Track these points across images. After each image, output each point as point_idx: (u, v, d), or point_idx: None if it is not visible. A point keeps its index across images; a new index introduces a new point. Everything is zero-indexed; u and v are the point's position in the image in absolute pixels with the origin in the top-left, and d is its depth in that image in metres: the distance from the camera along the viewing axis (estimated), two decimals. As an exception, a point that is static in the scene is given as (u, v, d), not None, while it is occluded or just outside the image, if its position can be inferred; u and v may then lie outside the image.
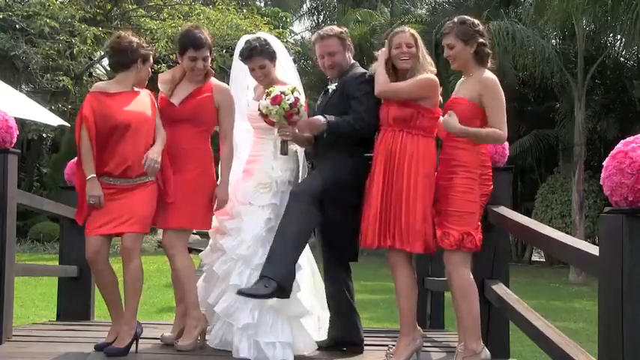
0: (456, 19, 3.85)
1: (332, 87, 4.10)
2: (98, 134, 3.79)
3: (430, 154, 3.81)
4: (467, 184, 3.67)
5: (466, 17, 3.85)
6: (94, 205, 3.81)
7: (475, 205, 3.68)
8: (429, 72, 3.83)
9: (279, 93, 3.79)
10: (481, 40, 3.78)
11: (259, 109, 3.85)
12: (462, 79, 3.92)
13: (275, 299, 3.71)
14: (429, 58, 3.87)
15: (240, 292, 3.64)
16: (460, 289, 3.66)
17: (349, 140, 3.92)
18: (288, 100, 3.78)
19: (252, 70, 4.08)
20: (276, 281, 3.61)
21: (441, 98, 3.91)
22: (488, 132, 3.69)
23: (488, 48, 3.82)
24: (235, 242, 3.91)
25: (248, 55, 4.05)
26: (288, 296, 3.71)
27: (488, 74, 3.77)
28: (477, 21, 3.83)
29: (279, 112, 3.78)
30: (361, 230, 3.85)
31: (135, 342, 3.85)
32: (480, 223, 3.70)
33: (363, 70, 4.08)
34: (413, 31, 3.93)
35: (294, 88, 3.89)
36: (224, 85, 4.15)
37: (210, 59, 4.04)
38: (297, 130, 3.92)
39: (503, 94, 3.75)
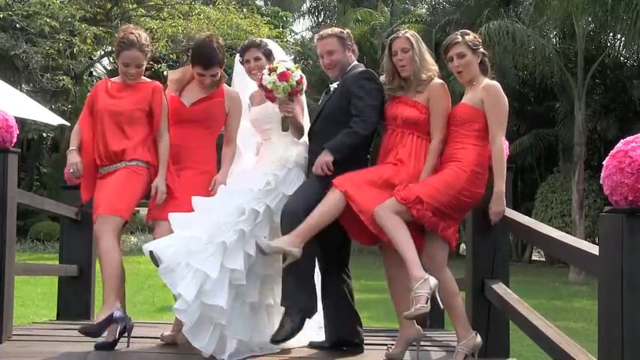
0: (458, 33, 3.90)
1: (333, 86, 4.11)
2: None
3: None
4: (453, 172, 3.68)
5: (468, 30, 3.95)
6: (73, 174, 3.92)
7: (449, 190, 3.64)
8: (432, 73, 3.85)
9: (285, 69, 3.82)
10: (483, 50, 3.87)
11: (263, 85, 3.85)
12: (466, 90, 3.95)
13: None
14: (428, 58, 3.89)
15: (275, 341, 3.72)
16: (391, 226, 3.61)
17: (360, 145, 3.91)
18: (294, 77, 3.82)
19: (247, 62, 4.16)
20: (299, 309, 3.73)
21: None
22: (499, 165, 3.71)
23: (488, 60, 3.92)
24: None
25: (246, 46, 4.21)
26: (310, 316, 3.84)
27: (491, 81, 3.84)
28: (476, 35, 3.94)
29: (285, 89, 3.81)
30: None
31: (127, 336, 3.83)
32: (442, 209, 3.63)
33: (365, 68, 4.09)
34: (410, 33, 3.93)
35: (298, 66, 3.95)
36: (235, 91, 4.21)
37: (219, 74, 4.05)
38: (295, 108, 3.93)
39: (506, 101, 3.80)
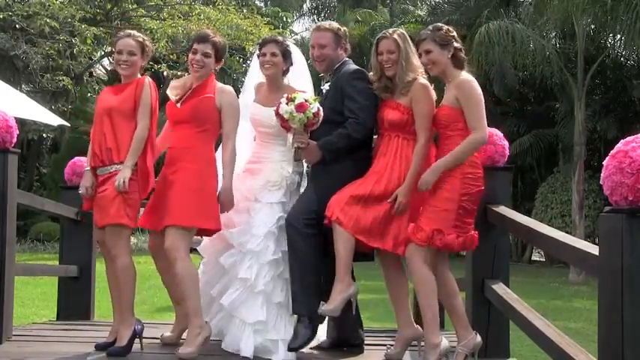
0: (431, 27, 3.88)
1: (326, 87, 4.09)
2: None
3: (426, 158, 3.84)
4: (447, 182, 3.68)
5: (441, 24, 3.89)
6: (83, 195, 3.93)
7: (451, 204, 3.65)
8: (418, 75, 3.83)
9: (303, 100, 3.81)
10: (457, 45, 3.80)
11: (280, 113, 3.84)
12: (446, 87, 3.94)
13: (282, 297, 3.89)
14: (414, 59, 3.86)
15: (292, 349, 3.77)
16: (421, 284, 3.69)
17: (349, 148, 3.92)
18: (311, 109, 3.81)
19: (263, 54, 4.10)
20: (308, 316, 3.78)
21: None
22: (459, 149, 3.65)
23: (464, 54, 3.83)
24: (246, 237, 3.92)
25: (267, 40, 4.18)
26: (321, 322, 3.89)
27: (464, 76, 3.77)
28: (451, 28, 3.85)
29: (301, 120, 3.80)
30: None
31: (139, 340, 3.84)
32: (458, 223, 3.66)
33: (356, 67, 4.08)
34: (398, 33, 3.91)
35: (316, 98, 3.93)
36: (227, 87, 4.14)
37: (211, 58, 4.03)
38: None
39: (479, 93, 3.74)
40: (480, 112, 3.71)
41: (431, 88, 3.86)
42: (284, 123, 3.87)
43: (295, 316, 3.89)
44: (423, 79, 3.85)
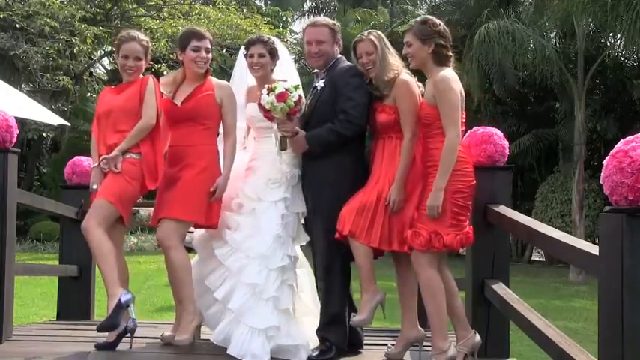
0: (419, 19, 3.86)
1: (320, 84, 4.06)
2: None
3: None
4: None
5: (429, 17, 3.85)
6: (95, 191, 3.92)
7: (444, 204, 3.62)
8: (399, 72, 3.83)
9: (283, 90, 3.82)
10: (440, 41, 3.74)
11: (261, 104, 3.87)
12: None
13: (289, 303, 3.91)
14: (391, 58, 3.86)
15: (311, 358, 3.81)
16: (427, 288, 3.69)
17: (339, 144, 3.92)
18: (292, 97, 3.82)
19: (250, 56, 4.13)
20: (331, 343, 3.87)
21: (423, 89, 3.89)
22: (443, 161, 3.61)
23: (448, 50, 3.77)
24: (252, 241, 3.91)
25: (253, 41, 4.17)
26: (344, 348, 3.94)
27: (443, 73, 3.70)
28: (439, 22, 3.79)
29: (283, 109, 3.82)
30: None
31: (130, 337, 3.83)
32: (454, 222, 3.65)
33: (350, 63, 4.08)
34: (374, 34, 3.91)
35: (297, 85, 3.94)
36: (224, 82, 4.21)
37: (211, 53, 4.11)
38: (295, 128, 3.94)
39: (455, 92, 3.67)
40: (454, 113, 3.65)
41: (413, 83, 3.84)
42: (266, 113, 3.89)
43: (301, 316, 3.98)
44: (404, 75, 3.83)
